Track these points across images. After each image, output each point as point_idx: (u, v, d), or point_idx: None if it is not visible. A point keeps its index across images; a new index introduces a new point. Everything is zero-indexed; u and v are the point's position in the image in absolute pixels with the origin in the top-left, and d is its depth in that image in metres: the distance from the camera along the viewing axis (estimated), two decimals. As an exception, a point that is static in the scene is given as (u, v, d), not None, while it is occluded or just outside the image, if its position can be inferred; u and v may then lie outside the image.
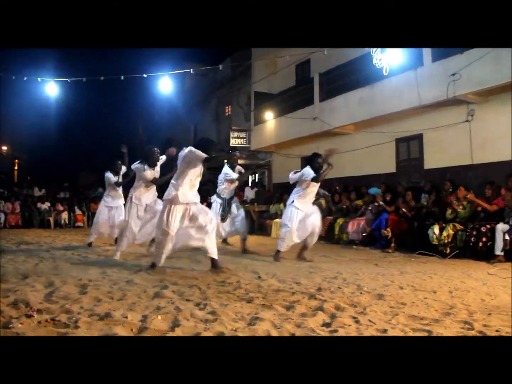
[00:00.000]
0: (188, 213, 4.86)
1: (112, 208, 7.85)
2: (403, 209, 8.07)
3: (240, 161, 14.75)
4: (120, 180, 7.72)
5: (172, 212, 4.78)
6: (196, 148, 4.73)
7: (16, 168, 33.68)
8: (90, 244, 7.81)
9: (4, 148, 34.07)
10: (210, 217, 4.99)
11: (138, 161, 6.29)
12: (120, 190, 7.92)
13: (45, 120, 26.31)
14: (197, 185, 4.99)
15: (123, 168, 7.65)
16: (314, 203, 6.50)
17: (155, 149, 6.37)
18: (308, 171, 6.07)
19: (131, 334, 2.51)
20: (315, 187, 6.25)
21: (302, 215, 6.17)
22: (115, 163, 7.64)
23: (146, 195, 6.42)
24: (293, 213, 6.17)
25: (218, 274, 4.76)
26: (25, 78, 10.61)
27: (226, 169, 7.21)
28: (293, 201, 6.22)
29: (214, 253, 4.94)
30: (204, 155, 4.67)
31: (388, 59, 9.53)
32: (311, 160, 6.28)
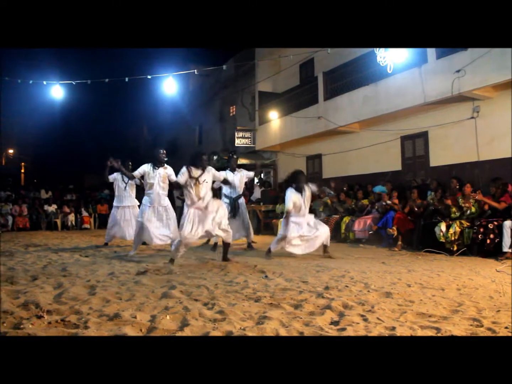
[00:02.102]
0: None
1: (124, 207, 8.21)
2: (414, 206, 8.04)
3: (245, 161, 14.84)
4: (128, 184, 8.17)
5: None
6: (190, 163, 5.62)
7: (22, 171, 33.86)
8: (106, 244, 8.31)
9: (11, 151, 34.26)
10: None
11: (147, 164, 6.70)
12: (129, 191, 8.25)
13: (50, 122, 26.42)
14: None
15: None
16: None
17: (161, 150, 6.74)
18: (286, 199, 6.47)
19: (140, 334, 2.53)
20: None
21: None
22: (125, 164, 7.91)
23: (158, 198, 6.70)
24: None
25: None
26: (30, 82, 10.68)
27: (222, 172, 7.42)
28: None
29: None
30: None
31: (392, 57, 9.50)
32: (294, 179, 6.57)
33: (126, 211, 8.12)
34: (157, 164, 6.69)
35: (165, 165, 6.77)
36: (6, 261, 5.85)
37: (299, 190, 6.43)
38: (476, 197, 6.95)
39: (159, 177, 6.66)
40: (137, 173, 6.70)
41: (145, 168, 6.66)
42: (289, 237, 6.36)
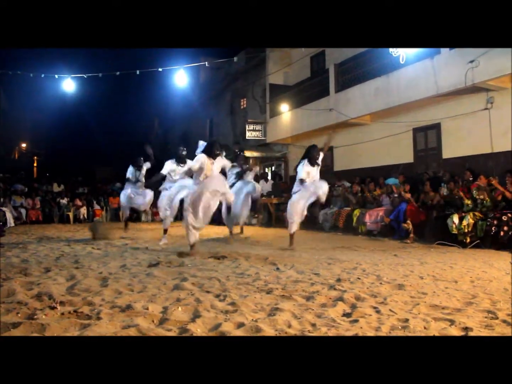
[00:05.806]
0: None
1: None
2: (426, 199, 7.99)
3: (256, 154, 14.83)
4: (140, 177, 8.60)
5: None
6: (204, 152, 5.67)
7: (35, 164, 34.12)
8: None
9: (23, 145, 34.55)
10: None
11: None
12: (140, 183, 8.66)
13: (62, 116, 26.67)
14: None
15: (148, 164, 8.58)
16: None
17: (181, 147, 7.43)
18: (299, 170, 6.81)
19: (152, 325, 2.53)
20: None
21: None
22: (137, 159, 8.50)
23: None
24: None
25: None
26: (42, 75, 10.76)
27: None
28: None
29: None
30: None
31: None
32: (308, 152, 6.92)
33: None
34: (180, 161, 7.23)
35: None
36: (19, 253, 5.91)
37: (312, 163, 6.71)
38: (493, 182, 6.84)
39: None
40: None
41: (170, 165, 7.16)
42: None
